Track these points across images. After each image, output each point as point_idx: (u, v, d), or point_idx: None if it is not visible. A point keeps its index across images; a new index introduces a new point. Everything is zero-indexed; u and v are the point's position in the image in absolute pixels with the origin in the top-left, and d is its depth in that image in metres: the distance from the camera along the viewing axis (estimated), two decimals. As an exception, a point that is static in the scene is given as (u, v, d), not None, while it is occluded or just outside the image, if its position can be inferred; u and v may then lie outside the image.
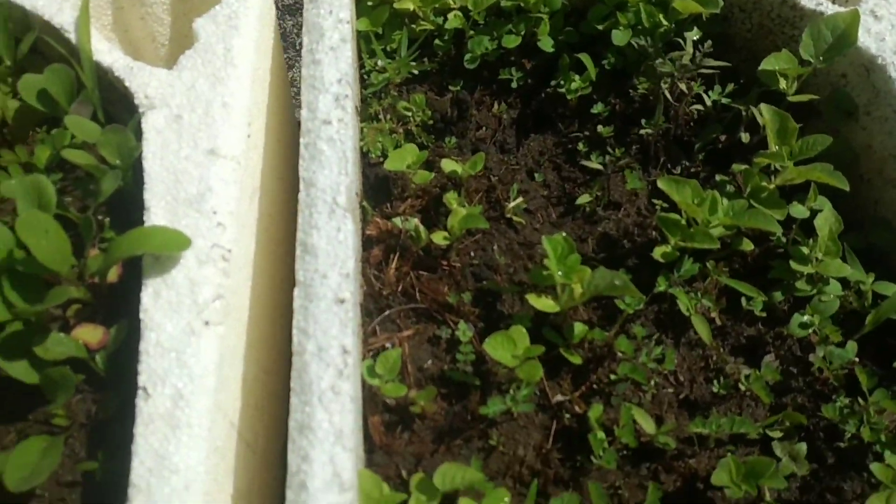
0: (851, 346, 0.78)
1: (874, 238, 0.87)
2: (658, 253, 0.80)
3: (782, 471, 0.74)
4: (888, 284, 0.80)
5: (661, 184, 0.79)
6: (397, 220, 0.84)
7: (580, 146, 0.94)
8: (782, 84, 0.90)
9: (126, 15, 0.90)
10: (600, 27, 0.93)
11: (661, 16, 0.91)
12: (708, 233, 0.78)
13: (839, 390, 0.77)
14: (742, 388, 0.76)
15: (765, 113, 0.83)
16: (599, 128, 0.93)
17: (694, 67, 0.91)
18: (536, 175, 0.94)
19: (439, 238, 0.83)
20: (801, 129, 0.89)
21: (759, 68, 0.86)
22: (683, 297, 0.79)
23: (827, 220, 0.80)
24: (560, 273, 0.75)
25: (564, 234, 0.77)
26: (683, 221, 0.81)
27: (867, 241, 0.87)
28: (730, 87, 0.93)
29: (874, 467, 0.70)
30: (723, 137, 0.94)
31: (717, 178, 0.88)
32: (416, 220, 0.83)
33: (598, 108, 0.94)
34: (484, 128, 0.97)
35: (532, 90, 0.99)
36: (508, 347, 0.73)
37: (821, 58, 0.87)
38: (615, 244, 0.89)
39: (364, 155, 0.90)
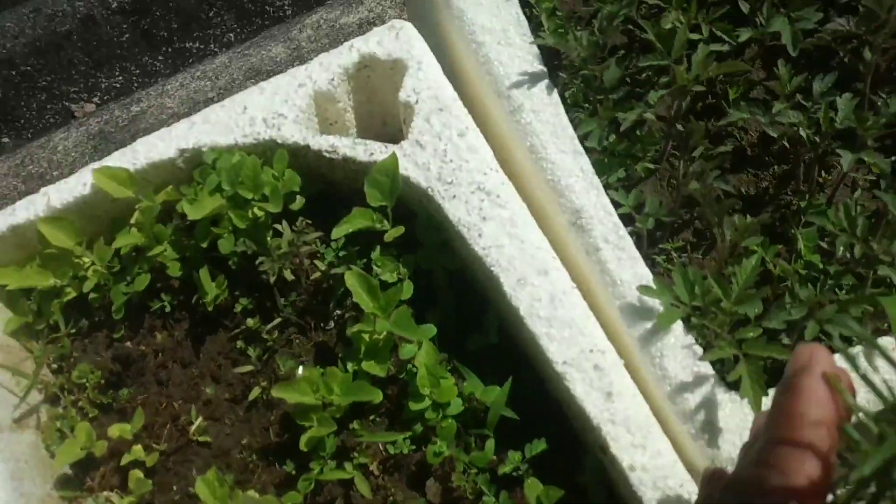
0: None
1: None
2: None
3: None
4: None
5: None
6: (90, 501, 0.95)
7: (239, 343, 1.05)
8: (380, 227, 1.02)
9: None
10: (205, 245, 1.02)
11: (253, 211, 1.01)
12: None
13: None
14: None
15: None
16: (249, 321, 1.04)
17: (298, 245, 1.02)
18: (214, 385, 1.05)
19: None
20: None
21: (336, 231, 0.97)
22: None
23: None
24: (218, 507, 0.87)
25: (214, 469, 0.89)
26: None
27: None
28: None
29: None
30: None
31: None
32: (104, 494, 0.94)
33: (238, 306, 1.05)
34: (160, 353, 1.08)
35: (189, 305, 1.09)
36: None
37: (389, 200, 0.99)
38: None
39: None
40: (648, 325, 0.86)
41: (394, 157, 0.98)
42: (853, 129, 0.93)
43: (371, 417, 0.98)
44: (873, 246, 0.81)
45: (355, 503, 0.94)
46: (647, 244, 1.01)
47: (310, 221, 1.06)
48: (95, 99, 1.95)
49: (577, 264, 0.94)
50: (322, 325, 1.05)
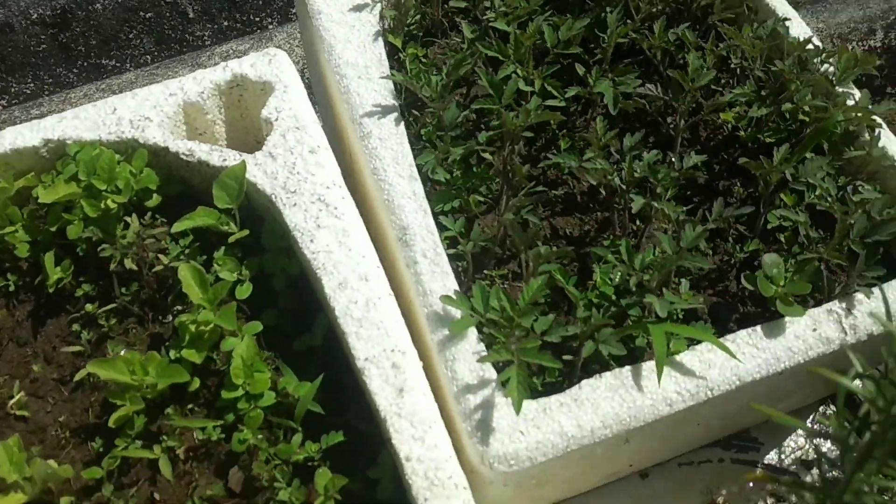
0: None
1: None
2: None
3: None
4: None
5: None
6: None
7: (75, 327, 1.08)
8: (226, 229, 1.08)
9: None
10: (54, 229, 1.07)
11: (106, 203, 1.07)
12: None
13: None
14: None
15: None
16: (88, 306, 1.08)
17: (144, 237, 1.07)
18: (44, 365, 1.07)
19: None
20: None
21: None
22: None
23: None
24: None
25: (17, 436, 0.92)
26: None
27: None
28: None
29: None
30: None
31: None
32: None
33: (80, 291, 1.08)
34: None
35: (33, 287, 1.12)
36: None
37: (235, 202, 1.06)
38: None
39: None
40: (447, 331, 0.94)
41: (242, 163, 1.06)
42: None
43: (189, 406, 1.01)
44: (644, 277, 0.92)
45: (160, 486, 0.97)
46: (474, 269, 1.10)
47: (165, 220, 1.12)
48: (3, 101, 1.99)
49: (399, 274, 1.02)
50: (160, 317, 1.10)
